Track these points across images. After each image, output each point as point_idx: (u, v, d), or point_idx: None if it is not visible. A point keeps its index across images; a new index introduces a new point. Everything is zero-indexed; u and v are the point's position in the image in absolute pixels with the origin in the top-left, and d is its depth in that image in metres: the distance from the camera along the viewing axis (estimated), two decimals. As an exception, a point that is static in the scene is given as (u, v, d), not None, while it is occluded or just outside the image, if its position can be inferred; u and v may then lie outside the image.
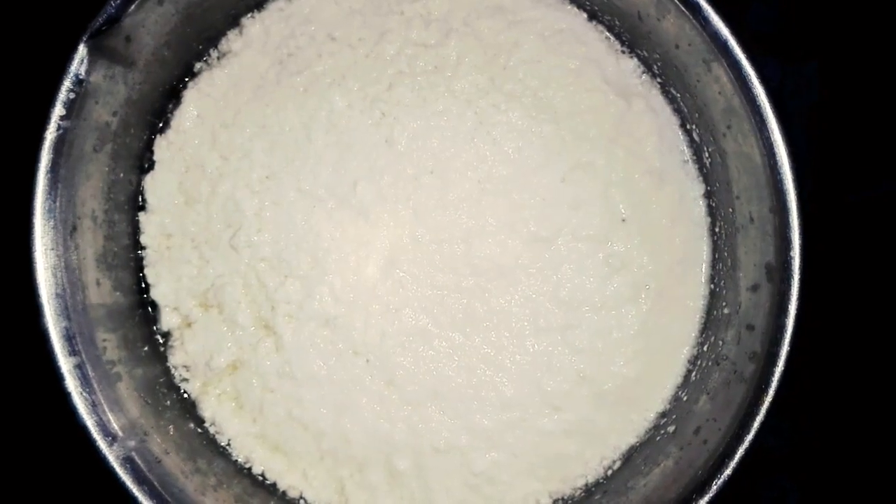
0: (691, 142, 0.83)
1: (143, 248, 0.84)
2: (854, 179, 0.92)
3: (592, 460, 0.82)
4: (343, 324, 0.80)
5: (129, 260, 0.83)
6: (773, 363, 0.70)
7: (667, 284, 0.82)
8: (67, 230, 0.75)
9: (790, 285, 0.70)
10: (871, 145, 0.93)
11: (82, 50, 0.72)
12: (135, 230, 0.84)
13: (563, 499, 0.82)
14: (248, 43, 0.84)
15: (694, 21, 0.71)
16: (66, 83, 0.73)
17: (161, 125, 0.85)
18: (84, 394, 0.73)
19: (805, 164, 0.68)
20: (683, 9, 0.71)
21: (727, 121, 0.75)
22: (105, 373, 0.76)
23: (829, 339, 0.83)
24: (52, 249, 0.73)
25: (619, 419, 0.81)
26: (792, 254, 0.70)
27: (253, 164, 0.82)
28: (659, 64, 0.82)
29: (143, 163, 0.85)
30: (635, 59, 0.84)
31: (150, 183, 0.84)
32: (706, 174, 0.82)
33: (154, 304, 0.84)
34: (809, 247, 0.69)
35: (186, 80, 0.85)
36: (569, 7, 0.84)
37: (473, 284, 0.80)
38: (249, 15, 0.85)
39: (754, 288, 0.75)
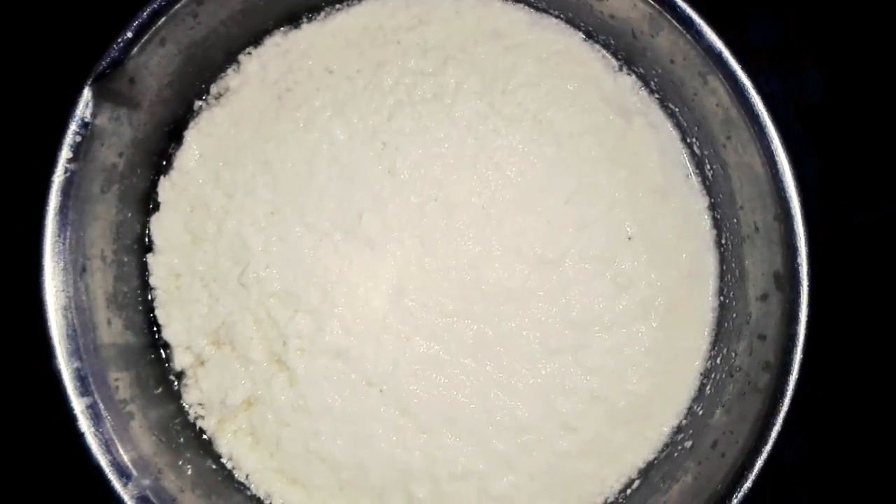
0: (693, 155, 0.83)
1: (152, 288, 0.85)
2: (860, 200, 0.92)
3: (609, 479, 0.81)
4: (355, 355, 0.80)
5: (139, 300, 0.84)
6: (787, 372, 0.69)
7: (676, 300, 0.82)
8: (77, 271, 0.75)
9: (799, 293, 0.69)
10: (876, 164, 0.92)
11: (87, 93, 0.73)
12: (143, 271, 0.85)
13: None
14: (247, 80, 0.85)
15: (688, 36, 0.71)
16: (73, 126, 0.73)
17: (165, 165, 0.85)
18: (97, 433, 0.73)
19: (810, 181, 0.68)
20: (677, 24, 0.72)
21: (726, 132, 0.75)
22: (118, 412, 0.76)
23: (841, 350, 0.83)
24: (63, 290, 0.74)
25: (635, 437, 0.81)
26: (799, 261, 0.69)
27: (257, 200, 0.82)
28: (656, 80, 0.82)
29: (150, 203, 0.85)
30: (633, 77, 0.84)
31: (157, 224, 0.84)
32: (709, 186, 0.82)
33: (166, 344, 0.84)
34: (817, 260, 0.69)
35: (189, 119, 0.86)
36: (565, 28, 0.85)
37: (482, 310, 0.80)
38: (246, 51, 0.86)
39: (764, 297, 0.75)
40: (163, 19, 0.74)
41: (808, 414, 0.70)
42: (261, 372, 0.82)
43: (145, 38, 0.74)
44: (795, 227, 0.70)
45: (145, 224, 0.85)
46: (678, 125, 0.83)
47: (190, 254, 0.84)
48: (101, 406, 0.74)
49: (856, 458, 0.91)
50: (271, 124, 0.83)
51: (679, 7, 0.71)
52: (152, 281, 0.84)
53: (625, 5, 0.75)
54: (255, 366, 0.82)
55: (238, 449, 0.83)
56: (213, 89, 0.86)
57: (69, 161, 0.74)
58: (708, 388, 0.81)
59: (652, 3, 0.72)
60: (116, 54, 0.73)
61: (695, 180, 0.83)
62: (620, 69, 0.85)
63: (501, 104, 0.82)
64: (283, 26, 0.86)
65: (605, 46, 0.84)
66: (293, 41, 0.86)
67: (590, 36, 0.85)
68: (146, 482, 0.74)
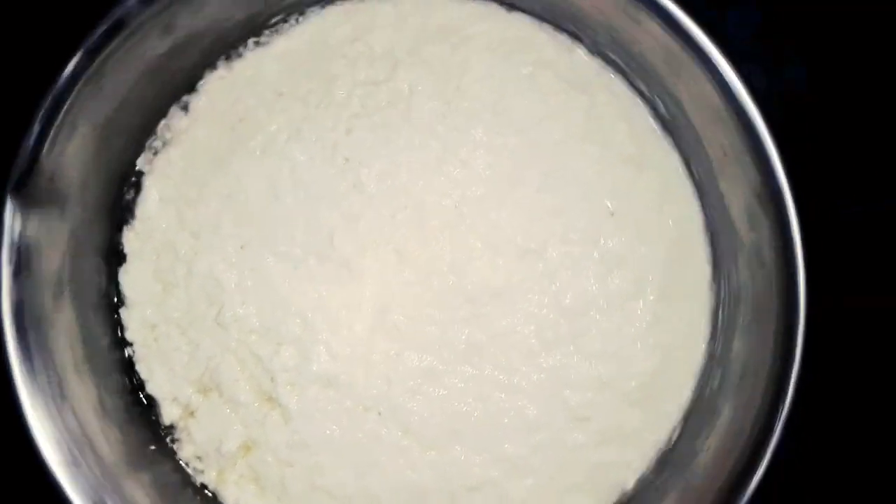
0: (653, 109, 0.81)
1: (129, 344, 0.81)
2: (846, 193, 0.91)
3: (635, 462, 0.78)
4: (346, 381, 0.77)
5: (113, 362, 0.81)
6: (795, 288, 0.67)
7: (670, 269, 0.79)
8: (55, 393, 0.72)
9: (784, 204, 0.68)
10: (862, 158, 0.91)
11: (10, 207, 0.69)
12: (114, 333, 0.81)
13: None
14: (196, 118, 0.83)
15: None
16: (5, 243, 0.69)
17: (125, 216, 0.83)
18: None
19: (797, 175, 0.68)
20: None
21: (673, 70, 0.73)
22: (114, 479, 0.73)
23: (834, 348, 0.80)
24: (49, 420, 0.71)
25: (652, 414, 0.78)
26: (778, 177, 0.68)
27: (225, 236, 0.80)
28: (601, 42, 0.81)
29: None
30: (586, 50, 0.82)
31: (125, 277, 0.82)
32: (671, 129, 0.80)
33: (151, 400, 0.81)
34: (796, 177, 0.67)
35: (133, 184, 0.83)
36: (510, 13, 0.83)
37: (471, 313, 0.77)
38: (192, 91, 0.84)
39: (751, 221, 0.72)
40: (67, 103, 0.70)
41: (803, 415, 0.68)
42: (253, 413, 0.78)
43: (53, 129, 0.70)
44: (762, 140, 0.68)
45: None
46: (622, 71, 0.81)
47: (163, 302, 0.81)
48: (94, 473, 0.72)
49: (852, 458, 0.89)
50: (228, 157, 0.81)
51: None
52: (128, 336, 0.81)
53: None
54: (245, 408, 0.78)
55: (244, 498, 0.80)
56: (164, 134, 0.83)
57: (14, 276, 0.70)
58: (720, 317, 0.78)
59: None
60: (28, 156, 0.69)
61: (666, 142, 0.81)
62: (573, 45, 0.82)
63: (458, 101, 0.80)
64: (222, 58, 0.84)
65: (557, 25, 0.83)
66: (238, 71, 0.84)
67: (537, 16, 0.83)
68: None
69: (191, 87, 0.83)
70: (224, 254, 0.79)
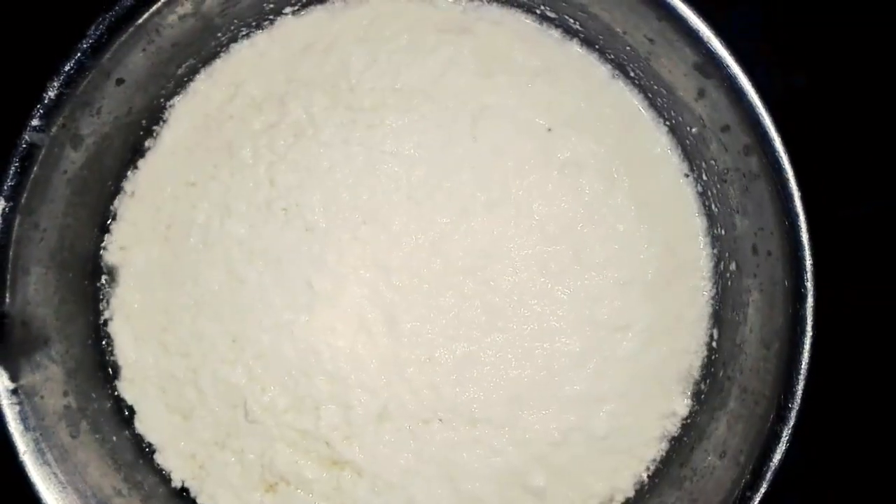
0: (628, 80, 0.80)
1: (182, 483, 0.79)
2: (845, 194, 0.90)
3: (690, 344, 0.78)
4: (395, 407, 0.75)
5: (138, 451, 0.80)
6: (772, 148, 0.67)
7: (627, 154, 0.78)
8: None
9: (726, 69, 0.67)
10: (860, 159, 0.91)
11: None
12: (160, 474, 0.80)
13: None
14: (125, 245, 0.80)
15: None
16: (5, 403, 0.69)
17: (112, 373, 0.80)
18: None
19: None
20: None
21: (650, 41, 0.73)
22: None
23: (833, 349, 0.79)
24: None
25: (683, 296, 0.78)
26: (709, 43, 0.67)
27: (213, 341, 0.78)
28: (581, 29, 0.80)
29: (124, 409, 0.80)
30: None
31: (143, 427, 0.80)
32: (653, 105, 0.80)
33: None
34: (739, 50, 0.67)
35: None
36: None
37: (474, 284, 0.76)
38: (111, 221, 0.81)
39: (700, 93, 0.71)
40: (11, 252, 0.70)
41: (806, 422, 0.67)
42: (327, 484, 0.77)
43: (7, 279, 0.70)
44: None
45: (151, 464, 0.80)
46: (593, 46, 0.80)
47: (190, 430, 0.78)
48: None
49: (855, 461, 0.89)
50: (175, 267, 0.79)
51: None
52: (175, 478, 0.79)
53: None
54: (318, 483, 0.77)
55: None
56: (108, 258, 0.81)
57: (24, 434, 0.70)
58: (723, 278, 0.78)
59: None
60: None
61: (572, 43, 0.80)
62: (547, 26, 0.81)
63: (357, 100, 0.78)
64: (126, 172, 0.81)
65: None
66: (142, 183, 0.81)
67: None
68: None
69: (109, 212, 0.81)
70: (220, 356, 0.77)
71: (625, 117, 0.79)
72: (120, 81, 0.74)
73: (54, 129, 0.70)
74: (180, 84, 0.81)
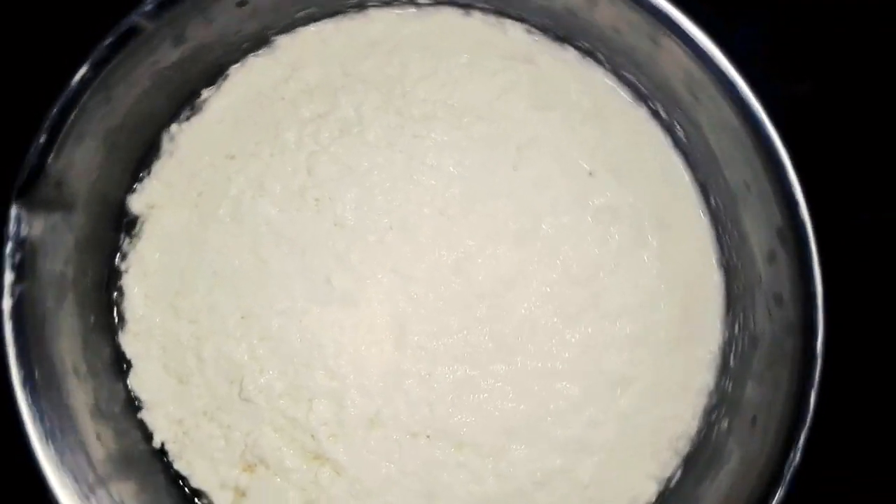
0: (660, 119, 0.80)
1: (162, 444, 0.79)
2: (858, 202, 0.89)
3: (686, 414, 0.78)
4: (387, 415, 0.75)
5: (128, 407, 0.80)
6: (814, 331, 0.65)
7: (663, 210, 0.78)
8: (55, 392, 0.71)
9: (808, 246, 0.65)
10: (871, 167, 0.90)
11: (15, 209, 0.68)
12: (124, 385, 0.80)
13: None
14: (155, 203, 0.81)
15: (627, 2, 0.68)
16: (9, 246, 0.69)
17: (118, 321, 0.81)
18: None
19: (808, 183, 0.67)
20: None
21: (692, 92, 0.71)
22: None
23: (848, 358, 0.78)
24: (47, 430, 0.69)
25: (689, 360, 0.78)
26: (801, 214, 0.65)
27: (223, 314, 0.78)
28: (603, 51, 0.79)
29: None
30: (519, 23, 0.81)
31: (136, 382, 0.80)
32: (686, 149, 0.79)
33: (199, 493, 0.79)
34: (819, 217, 0.65)
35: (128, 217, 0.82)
36: (438, 8, 0.81)
37: (487, 310, 0.76)
38: (145, 171, 0.82)
39: (771, 258, 0.70)
40: (73, 113, 0.69)
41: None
42: (305, 476, 0.76)
43: (60, 137, 0.69)
44: (788, 178, 0.65)
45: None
46: (637, 92, 0.80)
47: (182, 395, 0.79)
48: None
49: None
50: (201, 235, 0.79)
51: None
52: (158, 439, 0.79)
53: None
54: (296, 472, 0.77)
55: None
56: (134, 207, 0.81)
57: (15, 283, 0.69)
58: (732, 359, 0.77)
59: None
60: (35, 162, 0.69)
61: (623, 94, 0.80)
62: (504, 19, 0.81)
63: (408, 108, 0.79)
64: (166, 140, 0.82)
65: (542, 30, 0.81)
66: (183, 143, 0.81)
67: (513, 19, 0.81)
68: None
69: (144, 165, 0.82)
70: (227, 331, 0.77)
71: (667, 176, 0.79)
72: (242, 4, 0.75)
73: (162, 19, 0.70)
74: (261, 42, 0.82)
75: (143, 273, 0.80)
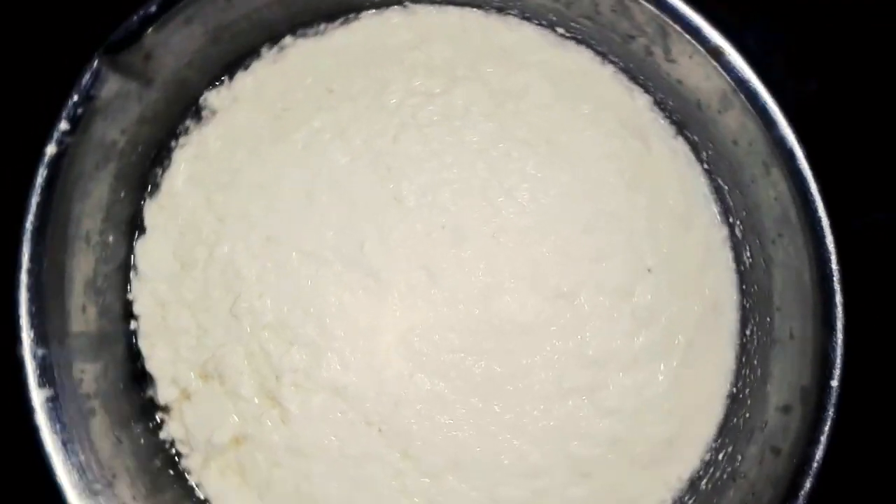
0: (733, 241, 0.79)
1: (136, 317, 0.79)
2: (856, 204, 0.88)
3: None
4: (353, 393, 0.75)
5: (118, 285, 0.78)
6: (796, 498, 0.65)
7: (698, 335, 0.77)
8: (59, 251, 0.70)
9: (826, 413, 0.66)
10: (870, 169, 0.89)
11: (96, 63, 0.68)
12: (130, 255, 0.79)
13: None
14: (241, 98, 0.80)
15: (760, 122, 0.68)
16: (75, 96, 0.68)
17: (151, 188, 0.80)
18: (54, 429, 0.68)
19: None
20: (750, 107, 0.68)
21: (779, 229, 0.71)
22: (79, 407, 0.70)
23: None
24: (39, 270, 0.68)
25: (653, 482, 0.76)
26: (832, 382, 0.65)
27: (252, 225, 0.77)
28: (710, 152, 0.78)
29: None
30: (649, 97, 0.81)
31: (142, 249, 0.79)
32: (743, 273, 0.79)
33: (149, 376, 0.79)
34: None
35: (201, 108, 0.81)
36: (577, 46, 0.81)
37: (493, 346, 0.75)
38: (242, 67, 0.81)
39: (786, 409, 0.70)
40: None
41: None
42: (251, 409, 0.76)
43: (170, 14, 0.69)
44: (836, 344, 0.66)
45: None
46: (722, 201, 0.79)
47: (178, 281, 0.78)
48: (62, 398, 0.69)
49: None
50: (267, 146, 0.79)
51: (758, 93, 0.68)
52: (136, 309, 0.79)
53: (698, 74, 0.72)
54: (245, 402, 0.76)
55: (224, 489, 0.77)
56: (212, 101, 0.81)
57: (66, 134, 0.68)
58: (705, 483, 0.76)
59: (729, 80, 0.68)
60: (135, 27, 0.68)
61: (715, 210, 0.80)
62: (636, 89, 0.81)
63: (513, 126, 0.78)
64: (273, 46, 0.81)
65: (661, 108, 0.81)
66: (291, 59, 0.81)
67: (647, 91, 0.81)
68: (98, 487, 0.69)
69: (245, 64, 0.81)
70: (248, 243, 0.77)
71: (717, 297, 0.78)
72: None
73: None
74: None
75: (196, 155, 0.80)
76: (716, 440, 0.77)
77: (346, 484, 0.75)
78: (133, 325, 0.79)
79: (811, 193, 0.67)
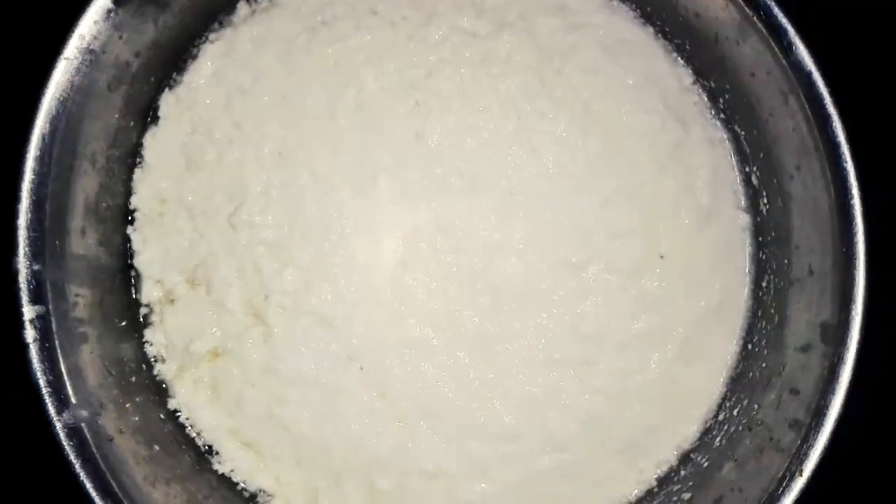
0: (748, 186, 0.77)
1: (133, 209, 0.77)
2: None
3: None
4: (340, 325, 0.73)
5: (119, 219, 0.77)
6: (819, 433, 0.64)
7: (698, 333, 0.76)
8: (63, 168, 0.68)
9: (847, 348, 0.64)
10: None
11: None
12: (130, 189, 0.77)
13: None
14: (282, 3, 0.77)
15: (777, 48, 0.66)
16: (91, 13, 0.67)
17: (173, 79, 0.78)
18: (44, 348, 0.66)
19: None
20: (767, 33, 0.66)
21: (797, 161, 0.69)
22: (70, 331, 0.68)
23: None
24: (42, 185, 0.67)
25: (625, 469, 0.75)
26: (854, 313, 0.64)
27: (266, 136, 0.75)
28: (727, 95, 0.76)
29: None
30: (698, 85, 0.78)
31: (151, 139, 0.77)
32: (760, 223, 0.77)
33: (137, 273, 0.77)
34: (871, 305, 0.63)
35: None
36: (636, 18, 0.79)
37: (489, 304, 0.74)
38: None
39: (805, 348, 0.69)
40: None
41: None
42: (234, 323, 0.75)
43: None
44: (857, 275, 0.64)
45: (144, 129, 0.78)
46: (739, 150, 0.77)
47: (181, 179, 0.76)
48: (54, 319, 0.67)
49: None
50: (298, 56, 0.76)
51: (774, 15, 0.65)
52: (134, 200, 0.77)
53: (715, 4, 0.69)
54: (229, 315, 0.75)
55: (195, 400, 0.77)
56: (243, 8, 0.78)
57: (80, 51, 0.67)
58: (718, 439, 0.75)
59: (745, 6, 0.66)
60: None
61: (744, 212, 0.78)
62: (688, 74, 0.79)
63: (553, 84, 0.75)
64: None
65: (679, 49, 0.78)
66: None
67: (663, 34, 0.79)
68: (84, 413, 0.67)
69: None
70: (259, 153, 0.75)
71: (724, 307, 0.77)
72: None
73: None
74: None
75: (223, 53, 0.77)
76: (729, 396, 0.76)
77: (317, 414, 0.74)
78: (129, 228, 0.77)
79: (830, 116, 0.65)
